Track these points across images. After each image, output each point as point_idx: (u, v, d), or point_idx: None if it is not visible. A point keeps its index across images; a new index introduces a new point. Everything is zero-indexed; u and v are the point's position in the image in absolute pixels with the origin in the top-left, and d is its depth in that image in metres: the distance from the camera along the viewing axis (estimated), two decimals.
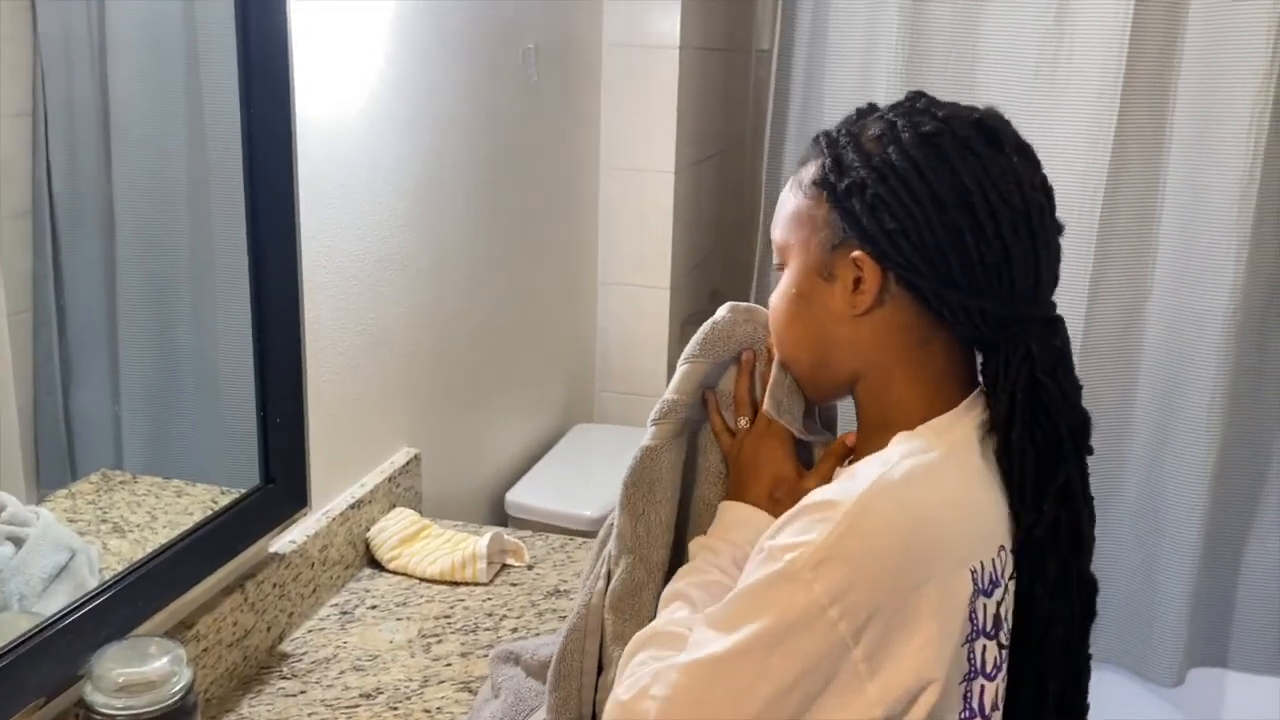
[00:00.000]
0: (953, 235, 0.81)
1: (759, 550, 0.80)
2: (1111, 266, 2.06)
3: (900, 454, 0.81)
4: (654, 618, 0.90)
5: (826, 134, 0.91)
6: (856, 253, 0.84)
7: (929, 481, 0.80)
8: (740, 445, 0.97)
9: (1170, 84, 1.99)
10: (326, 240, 1.31)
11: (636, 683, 0.81)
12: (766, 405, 0.96)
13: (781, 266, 0.92)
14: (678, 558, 0.94)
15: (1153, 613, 2.16)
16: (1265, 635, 2.19)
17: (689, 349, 0.96)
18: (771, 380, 0.95)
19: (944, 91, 0.90)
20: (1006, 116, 0.87)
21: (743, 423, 0.97)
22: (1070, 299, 2.07)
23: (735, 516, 0.94)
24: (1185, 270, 2.04)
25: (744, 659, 0.76)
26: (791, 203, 0.91)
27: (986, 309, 0.83)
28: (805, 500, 0.79)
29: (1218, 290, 2.01)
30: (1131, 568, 2.18)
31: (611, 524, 0.95)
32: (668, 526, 0.92)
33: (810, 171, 0.89)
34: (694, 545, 0.94)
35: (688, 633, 0.83)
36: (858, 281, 0.85)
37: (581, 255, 2.24)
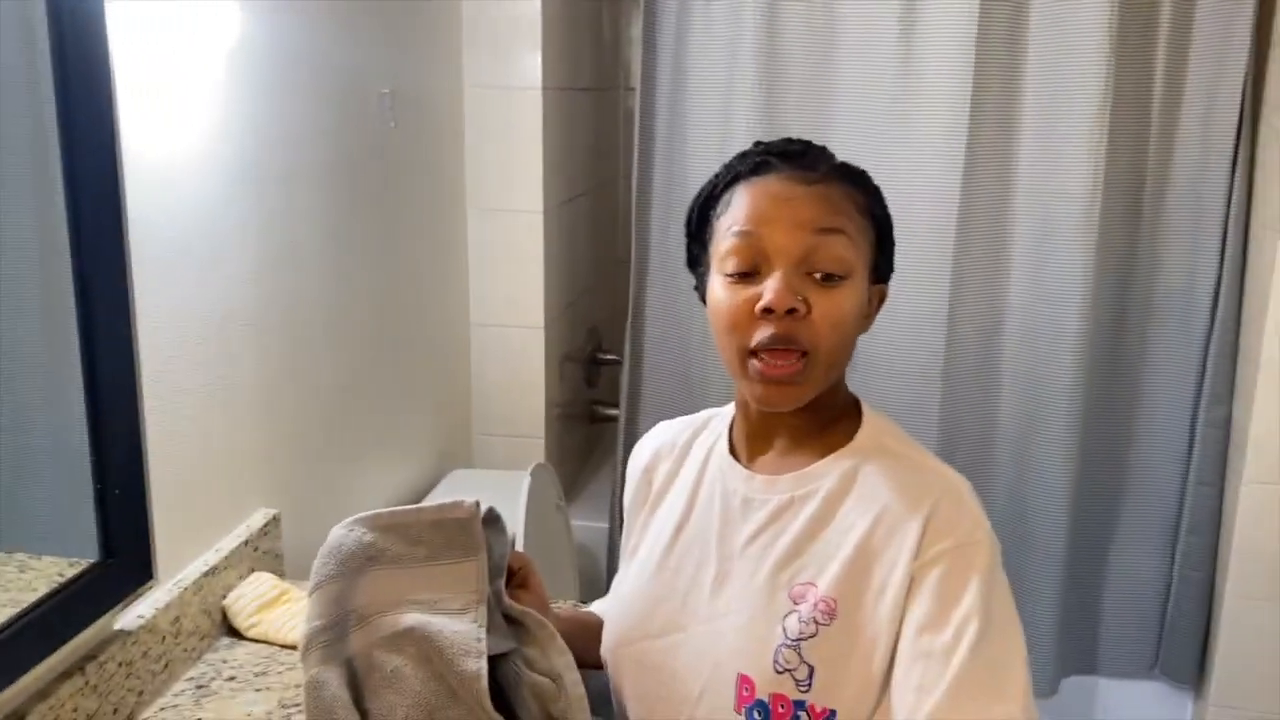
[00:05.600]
0: None
1: (948, 626, 0.91)
2: (968, 289, 2.13)
3: (896, 443, 1.01)
4: None
5: (848, 166, 0.99)
6: (883, 285, 1.01)
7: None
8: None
9: (1015, 108, 2.06)
10: (165, 300, 1.26)
11: None
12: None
13: (835, 277, 0.93)
14: None
15: (1025, 625, 2.22)
16: (1131, 641, 2.27)
17: (318, 575, 0.95)
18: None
19: (802, 126, 0.94)
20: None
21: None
22: (931, 323, 2.12)
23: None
24: (1039, 290, 2.11)
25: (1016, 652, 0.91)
26: (852, 222, 0.95)
27: None
28: (941, 546, 0.94)
29: (1069, 309, 2.08)
30: None
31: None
32: None
33: (859, 200, 0.97)
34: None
35: None
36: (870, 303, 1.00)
37: (452, 298, 2.22)
